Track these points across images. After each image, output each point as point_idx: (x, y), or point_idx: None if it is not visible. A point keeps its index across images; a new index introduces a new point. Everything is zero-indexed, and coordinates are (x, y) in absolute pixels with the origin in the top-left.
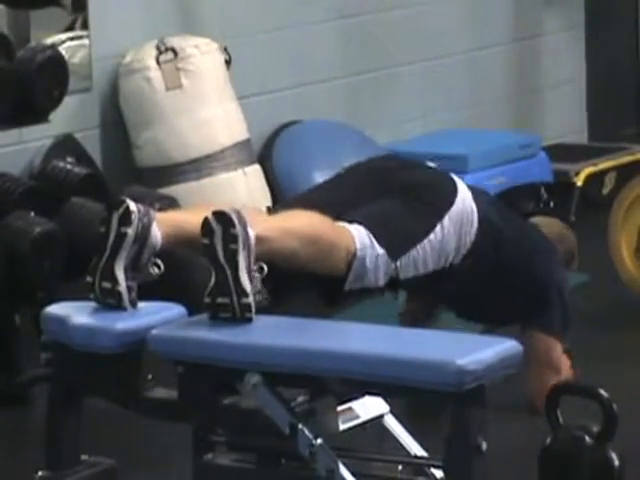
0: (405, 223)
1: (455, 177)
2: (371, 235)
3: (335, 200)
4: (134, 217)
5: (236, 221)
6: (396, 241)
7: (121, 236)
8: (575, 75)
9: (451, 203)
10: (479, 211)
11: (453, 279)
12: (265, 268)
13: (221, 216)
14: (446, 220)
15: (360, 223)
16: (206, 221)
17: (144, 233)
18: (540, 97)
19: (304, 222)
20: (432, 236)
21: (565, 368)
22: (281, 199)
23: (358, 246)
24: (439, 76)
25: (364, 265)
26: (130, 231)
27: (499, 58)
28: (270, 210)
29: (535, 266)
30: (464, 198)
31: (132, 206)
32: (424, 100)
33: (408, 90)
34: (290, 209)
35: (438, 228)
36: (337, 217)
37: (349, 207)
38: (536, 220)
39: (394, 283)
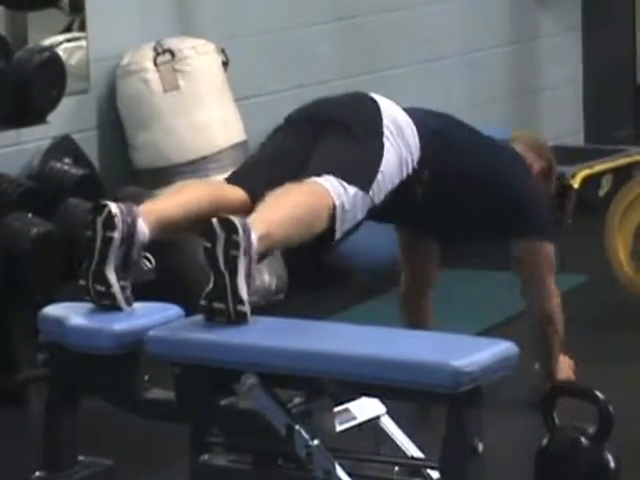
0: (360, 154)
1: (372, 94)
2: (341, 180)
3: (290, 154)
4: (117, 220)
5: (240, 228)
6: (362, 174)
7: (107, 241)
8: (572, 77)
9: (380, 117)
10: (411, 116)
11: (419, 186)
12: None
13: (226, 222)
14: (386, 133)
15: (327, 173)
16: (210, 225)
17: (130, 232)
18: (537, 99)
19: (291, 204)
20: (385, 153)
21: (567, 369)
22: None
23: (335, 198)
24: (436, 78)
25: (344, 210)
26: (116, 235)
27: (496, 60)
28: (229, 181)
29: (500, 173)
30: (387, 107)
31: (114, 209)
32: (421, 102)
33: (406, 92)
34: (252, 180)
35: (386, 143)
36: (301, 173)
37: (303, 159)
38: (515, 134)
39: (371, 210)
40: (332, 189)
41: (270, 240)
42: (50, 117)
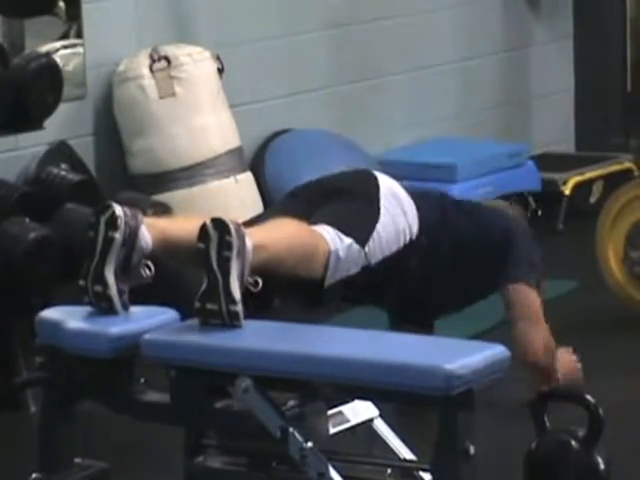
0: (357, 214)
1: (372, 170)
2: (337, 231)
3: (296, 211)
4: (120, 221)
5: (233, 230)
6: (358, 229)
7: (109, 240)
8: (564, 85)
9: (377, 186)
10: (409, 191)
11: (416, 256)
12: (260, 282)
13: (219, 223)
14: (383, 200)
15: (325, 223)
16: (204, 226)
17: (132, 236)
18: (529, 106)
19: (290, 230)
20: (382, 217)
21: (572, 368)
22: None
23: (331, 244)
24: (429, 86)
25: (338, 257)
26: (117, 235)
27: (488, 68)
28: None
29: (490, 229)
30: (385, 181)
31: (118, 210)
32: (414, 109)
33: (398, 99)
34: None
35: (382, 210)
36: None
37: (307, 215)
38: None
39: (367, 271)
40: (328, 237)
41: (265, 253)
42: (47, 123)
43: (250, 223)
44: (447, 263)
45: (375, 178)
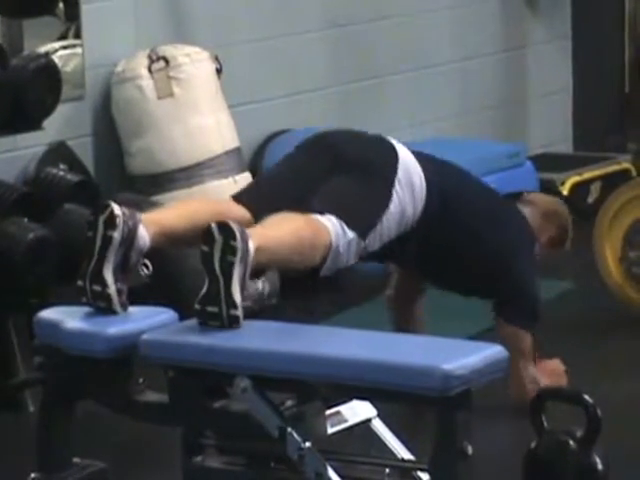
0: (366, 201)
1: (393, 141)
2: (342, 222)
3: (296, 183)
4: (119, 220)
5: (238, 234)
6: (363, 222)
7: (107, 240)
8: (562, 85)
9: (396, 168)
10: (425, 172)
11: (414, 239)
12: (260, 287)
13: (224, 227)
14: (397, 186)
15: (330, 212)
16: (209, 229)
17: (130, 235)
18: (527, 106)
19: (291, 229)
20: (391, 206)
21: (559, 374)
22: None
23: (333, 238)
24: (427, 85)
25: (338, 252)
26: (116, 234)
27: (487, 68)
28: (235, 199)
29: (500, 248)
30: (406, 160)
31: (116, 210)
32: (412, 109)
33: (397, 99)
34: (258, 200)
35: (394, 196)
36: (305, 205)
37: (310, 190)
38: (531, 196)
39: (362, 257)
40: (332, 229)
41: (267, 254)
42: (45, 123)
43: (247, 193)
44: (446, 252)
45: (396, 154)
